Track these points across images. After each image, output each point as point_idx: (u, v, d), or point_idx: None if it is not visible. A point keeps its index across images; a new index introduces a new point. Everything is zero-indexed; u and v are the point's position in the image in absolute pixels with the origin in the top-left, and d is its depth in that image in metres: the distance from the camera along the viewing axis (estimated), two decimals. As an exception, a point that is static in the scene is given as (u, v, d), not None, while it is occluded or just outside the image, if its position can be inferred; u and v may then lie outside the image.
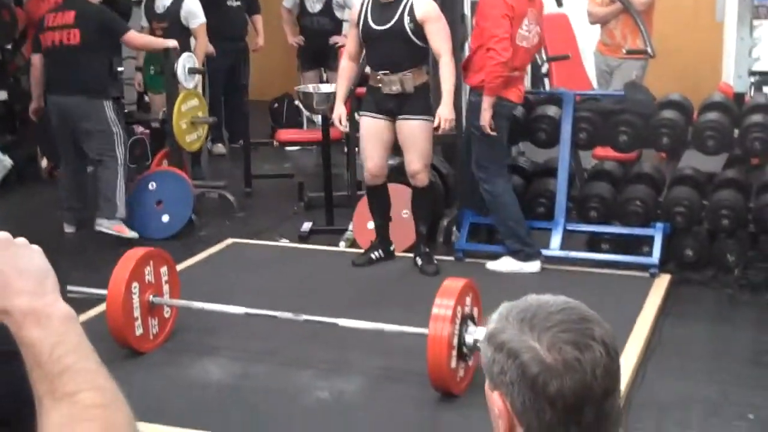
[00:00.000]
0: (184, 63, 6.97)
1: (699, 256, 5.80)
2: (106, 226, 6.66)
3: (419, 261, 5.87)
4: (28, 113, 8.42)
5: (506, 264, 5.88)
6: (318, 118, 8.15)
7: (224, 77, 8.97)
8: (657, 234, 5.76)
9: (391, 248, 6.04)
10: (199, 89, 7.65)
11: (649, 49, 7.39)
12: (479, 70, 5.64)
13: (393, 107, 5.65)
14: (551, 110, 6.17)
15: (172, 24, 7.89)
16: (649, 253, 5.77)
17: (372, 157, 5.78)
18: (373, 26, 5.60)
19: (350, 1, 8.86)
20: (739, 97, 6.29)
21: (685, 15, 10.03)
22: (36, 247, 1.23)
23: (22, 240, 1.22)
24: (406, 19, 5.52)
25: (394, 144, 5.84)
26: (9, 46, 8.81)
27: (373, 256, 5.99)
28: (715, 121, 5.77)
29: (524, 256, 5.84)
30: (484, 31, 5.57)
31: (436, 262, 5.85)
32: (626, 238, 6.00)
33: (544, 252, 5.96)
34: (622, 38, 7.65)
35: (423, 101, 5.67)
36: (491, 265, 5.93)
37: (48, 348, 1.16)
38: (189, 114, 7.02)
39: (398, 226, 6.12)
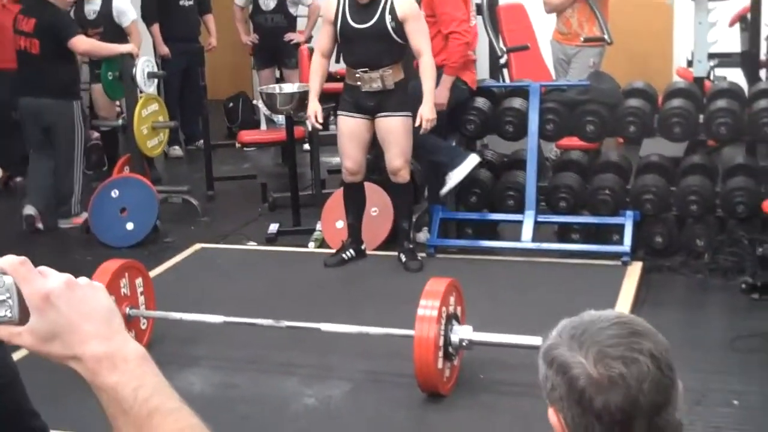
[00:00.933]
0: (143, 67, 6.88)
1: (669, 243, 5.84)
2: (64, 223, 7.11)
3: (403, 257, 5.85)
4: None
5: (455, 177, 5.97)
6: (280, 118, 8.09)
7: (179, 79, 8.88)
8: (627, 222, 5.80)
9: (363, 247, 6.01)
10: (155, 92, 7.56)
11: (606, 36, 7.46)
12: (438, 53, 5.80)
13: (373, 105, 5.64)
14: (517, 102, 6.18)
15: (107, 27, 7.77)
16: (620, 242, 5.80)
17: (351, 156, 5.77)
18: (353, 25, 5.58)
19: (303, -3, 8.85)
20: (700, 81, 6.33)
21: (634, -1, 10.09)
22: (99, 285, 1.19)
23: (84, 279, 1.18)
24: (388, 18, 5.51)
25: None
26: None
27: (344, 256, 5.95)
28: (680, 107, 5.81)
29: (460, 160, 5.97)
30: (442, 16, 5.83)
31: (419, 258, 5.85)
32: (596, 227, 6.03)
33: (516, 245, 5.99)
34: (578, 26, 7.67)
35: (402, 97, 5.67)
36: (445, 190, 6.06)
37: (130, 392, 1.12)
38: (149, 119, 6.94)
39: (368, 225, 6.10)
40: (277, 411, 4.24)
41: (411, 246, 5.92)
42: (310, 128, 6.79)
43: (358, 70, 5.62)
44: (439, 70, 5.82)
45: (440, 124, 5.83)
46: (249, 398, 4.34)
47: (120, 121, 6.95)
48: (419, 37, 5.54)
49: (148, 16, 8.71)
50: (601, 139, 6.43)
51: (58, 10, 6.93)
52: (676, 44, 10.04)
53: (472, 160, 6.03)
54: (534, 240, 5.96)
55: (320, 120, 5.82)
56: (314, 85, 5.83)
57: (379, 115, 5.66)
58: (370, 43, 5.56)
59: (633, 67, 9.37)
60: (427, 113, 5.54)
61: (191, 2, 8.96)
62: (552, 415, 1.46)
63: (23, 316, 1.13)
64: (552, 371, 1.44)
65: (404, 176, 5.75)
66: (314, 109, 5.76)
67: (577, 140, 6.35)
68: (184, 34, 8.87)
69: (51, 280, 1.14)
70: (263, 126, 9.66)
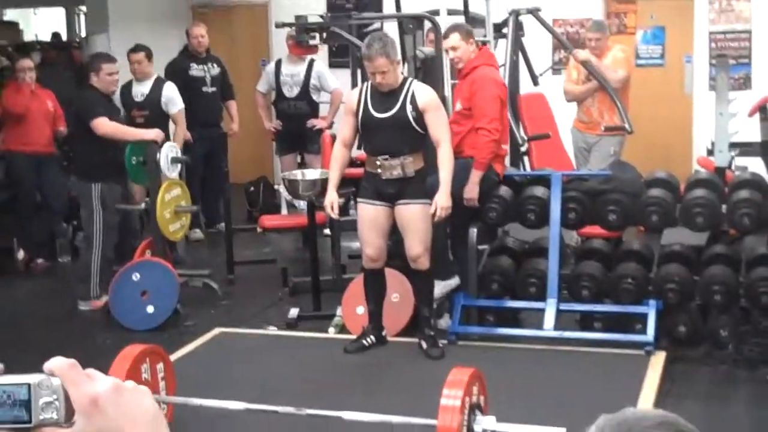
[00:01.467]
0: (167, 152, 6.95)
1: (692, 333, 5.80)
2: (84, 306, 7.15)
3: (424, 344, 5.83)
4: (3, 205, 8.41)
5: (440, 288, 6.13)
6: (301, 203, 8.13)
7: (201, 163, 8.96)
8: (650, 311, 5.76)
9: (383, 333, 5.99)
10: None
11: (626, 125, 7.50)
12: (470, 148, 6.04)
13: (393, 192, 5.68)
14: (539, 191, 6.19)
15: (152, 111, 7.90)
16: (643, 331, 5.76)
17: (371, 243, 5.79)
18: (375, 114, 5.66)
19: (326, 84, 8.96)
20: (721, 171, 6.34)
21: (655, 88, 10.18)
22: (144, 389, 1.18)
23: (131, 383, 1.17)
24: (409, 108, 5.60)
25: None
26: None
27: (365, 342, 5.92)
28: (703, 197, 5.81)
29: (445, 276, 6.17)
30: (476, 110, 5.99)
31: (441, 345, 5.83)
32: (619, 316, 6.00)
33: (538, 333, 5.96)
34: (599, 115, 7.73)
35: (422, 185, 5.72)
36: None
37: None
38: (172, 203, 6.98)
39: (388, 311, 6.09)
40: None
41: (432, 333, 5.89)
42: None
43: (379, 158, 5.67)
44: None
45: (468, 214, 6.00)
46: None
47: (143, 206, 6.98)
48: (439, 128, 5.62)
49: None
50: (624, 228, 6.43)
51: (89, 92, 7.09)
52: (696, 133, 10.09)
53: (454, 282, 6.22)
54: (556, 328, 5.92)
55: (336, 211, 5.86)
56: (334, 174, 5.89)
57: (399, 202, 5.70)
58: (390, 131, 5.63)
59: (653, 155, 9.41)
60: (442, 201, 5.59)
61: (214, 89, 9.08)
62: None
63: (69, 418, 1.13)
64: None
65: (424, 263, 5.75)
66: (331, 199, 5.81)
67: (599, 228, 6.35)
68: (207, 119, 8.97)
69: (99, 384, 1.14)
70: (284, 210, 9.70)
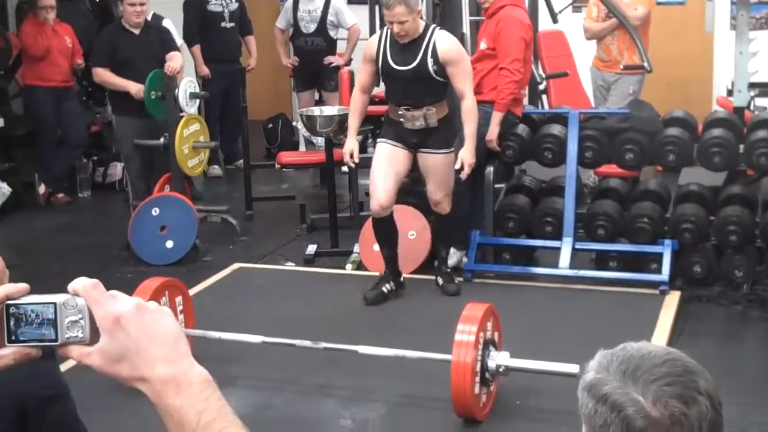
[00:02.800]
0: (186, 88, 6.96)
1: (707, 273, 5.82)
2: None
3: (440, 280, 5.88)
4: (22, 140, 8.46)
5: (450, 253, 6.17)
6: (319, 140, 8.15)
7: (220, 99, 8.97)
8: (666, 251, 5.78)
9: (401, 279, 5.92)
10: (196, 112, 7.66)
11: (646, 64, 7.45)
12: (493, 89, 5.99)
13: (416, 141, 5.63)
14: (556, 129, 6.19)
15: None
16: (658, 270, 5.79)
17: (385, 189, 5.61)
18: (394, 66, 5.55)
19: (344, 20, 8.92)
20: (740, 111, 6.31)
21: (675, 26, 10.09)
22: (167, 310, 1.22)
23: (153, 304, 1.21)
24: (430, 61, 5.47)
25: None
26: (2, 73, 8.77)
27: (384, 289, 5.82)
28: (720, 137, 5.80)
29: (464, 246, 6.19)
30: (500, 50, 5.94)
31: (457, 281, 5.88)
32: (634, 255, 6.02)
33: (554, 271, 6.00)
34: (618, 53, 7.69)
35: (446, 134, 5.65)
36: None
37: (194, 415, 1.16)
38: (190, 139, 7.01)
39: (406, 248, 6.12)
40: (314, 432, 4.27)
41: (449, 270, 5.94)
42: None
43: (401, 108, 5.60)
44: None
45: (485, 152, 6.08)
46: (286, 419, 4.38)
47: (161, 140, 7.00)
48: (461, 80, 5.49)
49: (189, 38, 8.80)
50: (641, 167, 6.42)
51: (104, 32, 7.41)
52: (716, 72, 10.02)
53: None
54: (571, 267, 5.95)
55: (356, 160, 5.79)
56: (353, 122, 5.82)
57: (421, 150, 5.65)
58: (412, 83, 5.53)
59: (672, 94, 9.36)
60: (468, 157, 5.54)
61: (233, 24, 9.05)
62: None
63: (93, 337, 1.18)
64: (605, 408, 1.39)
65: (444, 208, 5.75)
66: (350, 147, 5.78)
67: (616, 168, 6.35)
68: (225, 55, 8.96)
69: (121, 303, 1.18)
70: (302, 147, 9.72)
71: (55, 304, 1.18)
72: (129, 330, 1.17)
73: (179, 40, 8.10)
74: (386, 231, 5.81)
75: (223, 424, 1.17)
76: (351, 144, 5.78)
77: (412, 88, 5.54)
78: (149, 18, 7.85)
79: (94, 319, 1.18)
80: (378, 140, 5.84)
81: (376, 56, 5.62)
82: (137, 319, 1.18)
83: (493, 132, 6.02)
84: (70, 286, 1.19)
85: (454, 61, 5.46)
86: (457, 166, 5.57)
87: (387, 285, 5.83)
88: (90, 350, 1.18)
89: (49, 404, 2.33)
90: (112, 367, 1.18)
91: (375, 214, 5.72)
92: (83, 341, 1.18)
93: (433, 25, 5.69)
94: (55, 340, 1.18)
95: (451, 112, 5.67)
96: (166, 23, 8.10)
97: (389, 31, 5.56)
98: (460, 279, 6.01)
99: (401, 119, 5.60)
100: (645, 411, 1.36)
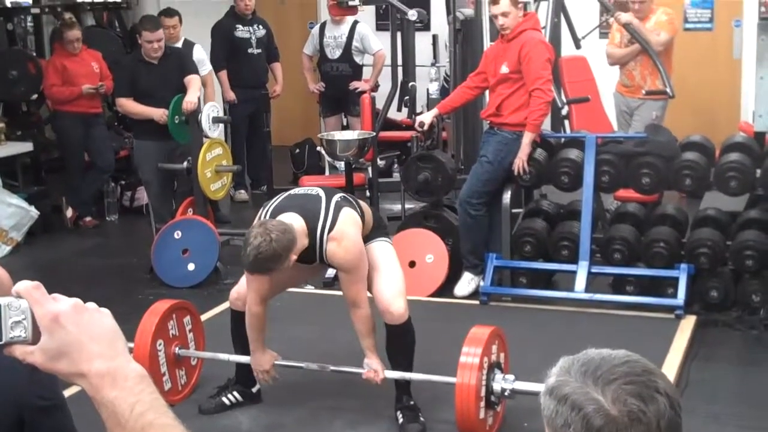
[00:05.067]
0: (209, 112, 7.06)
1: (724, 297, 5.80)
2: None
3: (400, 417, 4.50)
4: (52, 164, 8.59)
5: (467, 280, 6.30)
6: (341, 164, 8.21)
7: (246, 124, 9.06)
8: (682, 275, 5.76)
9: (254, 390, 4.82)
10: (222, 137, 7.76)
11: (668, 90, 7.44)
12: (518, 109, 6.06)
13: None
14: (573, 153, 6.20)
15: None
16: (674, 295, 5.77)
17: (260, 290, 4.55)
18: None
19: (369, 46, 8.99)
20: (760, 136, 6.29)
21: (703, 52, 10.07)
22: (105, 311, 1.30)
23: (92, 304, 1.29)
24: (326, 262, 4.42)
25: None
26: (34, 98, 8.94)
27: (226, 400, 4.75)
28: (736, 162, 5.79)
29: (480, 270, 6.23)
30: (529, 73, 5.97)
31: (422, 419, 4.47)
32: (651, 279, 6.00)
33: (569, 295, 6.00)
34: (641, 79, 7.68)
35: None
36: (457, 290, 6.28)
37: (128, 407, 1.22)
38: (213, 162, 7.09)
39: (422, 272, 6.15)
40: (321, 453, 4.30)
41: (412, 402, 4.55)
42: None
43: None
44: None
45: (503, 177, 6.20)
46: (294, 439, 4.42)
47: (185, 164, 7.10)
48: (352, 287, 4.36)
49: (216, 63, 8.91)
50: (657, 191, 6.42)
51: (126, 62, 7.71)
52: (744, 98, 9.97)
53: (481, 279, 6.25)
54: (587, 291, 5.95)
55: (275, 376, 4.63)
56: (256, 336, 4.60)
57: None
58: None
59: (699, 120, 9.34)
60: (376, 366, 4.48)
61: (260, 50, 9.14)
62: None
63: (36, 337, 1.24)
64: (565, 408, 1.41)
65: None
66: (264, 363, 4.56)
67: (634, 192, 6.35)
68: (252, 81, 9.05)
69: (61, 303, 1.25)
70: (327, 172, 9.78)
71: None
72: (68, 328, 1.24)
73: (208, 66, 8.23)
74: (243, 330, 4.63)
75: (155, 414, 1.23)
76: (265, 359, 4.58)
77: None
78: (180, 44, 8.01)
79: (36, 319, 1.24)
80: None
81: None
82: (75, 318, 1.25)
83: (524, 152, 6.06)
84: (14, 288, 1.26)
85: (346, 270, 4.35)
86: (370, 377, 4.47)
87: (231, 395, 4.77)
88: (32, 349, 1.25)
89: (46, 414, 2.38)
90: (52, 364, 1.25)
91: (233, 304, 4.76)
92: (26, 341, 1.25)
93: (325, 227, 4.29)
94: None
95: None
96: (197, 50, 8.23)
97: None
98: (476, 302, 6.01)
99: None
100: (604, 409, 1.38)
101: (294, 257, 4.15)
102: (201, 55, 8.29)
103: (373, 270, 4.42)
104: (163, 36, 7.28)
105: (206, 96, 8.25)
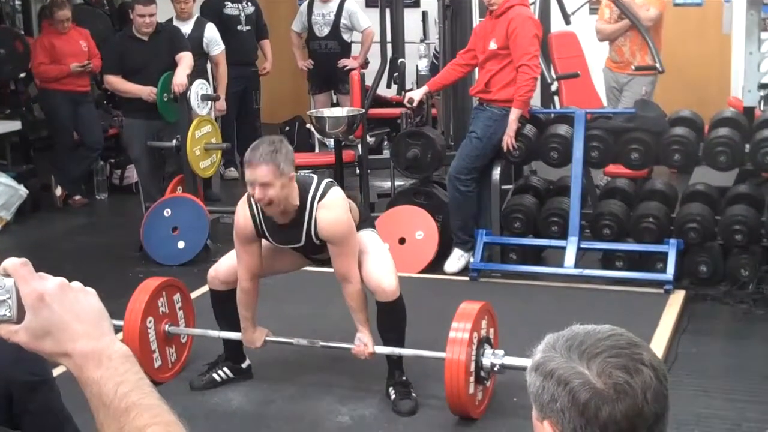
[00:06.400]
0: (197, 90, 7.03)
1: (713, 272, 5.82)
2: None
3: (392, 392, 4.48)
4: (41, 142, 8.56)
5: (457, 256, 6.33)
6: (330, 142, 8.20)
7: (236, 102, 9.03)
8: (671, 250, 5.78)
9: (244, 365, 4.84)
10: (212, 114, 7.73)
11: (657, 65, 7.45)
12: (507, 85, 6.06)
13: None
14: (562, 129, 6.20)
15: (193, 51, 7.92)
16: (664, 270, 5.79)
17: (228, 266, 4.75)
18: (279, 246, 4.56)
19: (357, 24, 8.98)
20: (749, 111, 6.30)
21: (692, 28, 10.07)
22: (91, 290, 1.29)
23: (77, 284, 1.28)
24: (314, 238, 4.37)
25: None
26: (22, 76, 8.90)
27: (217, 377, 4.75)
28: (725, 136, 5.79)
29: (470, 246, 6.25)
30: (516, 49, 5.97)
31: (414, 394, 4.46)
32: (640, 254, 6.02)
33: (559, 271, 6.01)
34: (630, 55, 7.68)
35: None
36: (447, 266, 6.30)
37: (112, 387, 1.22)
38: (202, 140, 7.07)
39: (413, 248, 6.16)
40: (312, 428, 4.32)
41: (404, 378, 4.52)
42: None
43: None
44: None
45: (493, 153, 6.21)
46: (285, 415, 4.43)
47: (174, 142, 7.08)
48: (343, 261, 4.34)
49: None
50: (646, 167, 6.43)
51: (114, 39, 7.68)
52: (734, 73, 9.97)
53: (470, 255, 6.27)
54: (577, 266, 5.96)
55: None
56: (246, 314, 4.63)
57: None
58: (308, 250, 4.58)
59: (689, 95, 9.33)
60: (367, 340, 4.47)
61: (249, 27, 9.10)
62: (548, 429, 1.43)
63: (21, 316, 1.24)
64: (551, 383, 1.41)
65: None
66: (256, 339, 4.63)
67: (624, 168, 6.36)
68: (241, 58, 9.00)
69: (47, 282, 1.24)
70: (317, 149, 9.77)
71: None
72: (53, 307, 1.23)
73: (221, 46, 8.17)
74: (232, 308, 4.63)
75: (139, 395, 1.22)
76: (256, 336, 4.64)
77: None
78: (193, 21, 7.98)
79: (21, 298, 1.24)
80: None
81: (257, 232, 4.48)
82: (61, 297, 1.24)
83: (511, 128, 6.06)
84: (2, 266, 1.25)
85: (334, 241, 4.31)
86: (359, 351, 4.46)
87: (221, 372, 4.77)
88: (17, 328, 1.24)
89: (35, 390, 2.39)
90: (37, 343, 1.24)
91: (211, 284, 4.72)
92: (11, 320, 1.24)
93: (316, 194, 4.32)
94: None
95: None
96: (209, 28, 8.15)
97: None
98: (466, 278, 6.02)
99: None
100: (590, 383, 1.39)
101: (293, 185, 4.22)
102: (214, 33, 8.18)
103: (362, 254, 4.42)
104: (156, 12, 7.23)
105: (219, 76, 8.19)
